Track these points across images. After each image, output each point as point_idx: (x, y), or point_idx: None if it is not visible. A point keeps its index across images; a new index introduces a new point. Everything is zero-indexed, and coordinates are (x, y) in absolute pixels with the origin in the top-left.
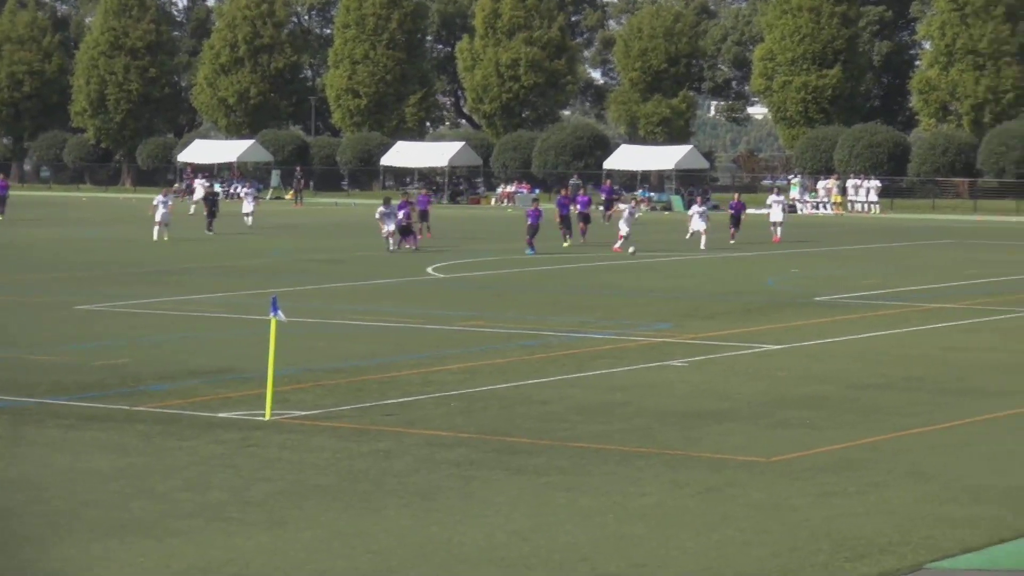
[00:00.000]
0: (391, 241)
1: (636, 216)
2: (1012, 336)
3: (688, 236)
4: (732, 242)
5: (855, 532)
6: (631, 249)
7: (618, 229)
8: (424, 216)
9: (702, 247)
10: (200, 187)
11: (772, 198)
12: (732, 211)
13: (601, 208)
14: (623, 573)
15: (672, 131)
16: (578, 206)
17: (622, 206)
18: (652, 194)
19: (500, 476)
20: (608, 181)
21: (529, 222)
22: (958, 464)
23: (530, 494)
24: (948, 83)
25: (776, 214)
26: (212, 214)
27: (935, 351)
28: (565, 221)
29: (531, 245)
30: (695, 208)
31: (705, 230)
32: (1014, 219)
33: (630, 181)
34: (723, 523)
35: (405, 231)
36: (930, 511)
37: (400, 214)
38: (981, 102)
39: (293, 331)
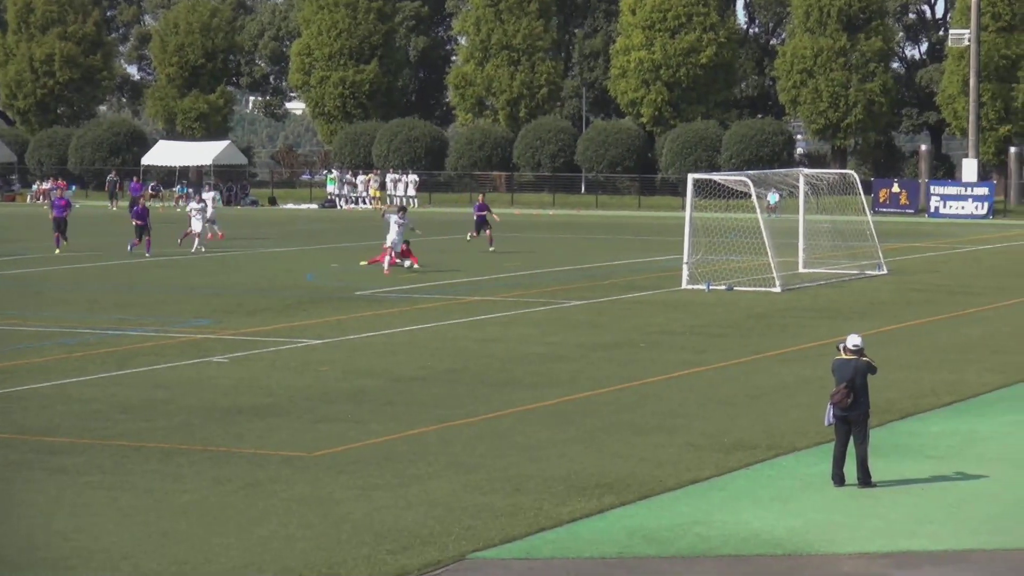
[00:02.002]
0: None
1: (410, 225)
2: (546, 328)
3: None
4: (492, 247)
5: (398, 524)
6: (407, 264)
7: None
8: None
9: (193, 250)
10: None
11: (192, 206)
12: (476, 214)
13: (132, 206)
14: (165, 571)
15: (210, 127)
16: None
17: (391, 217)
18: (191, 190)
19: (40, 476)
20: (135, 179)
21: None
22: (499, 455)
23: (71, 493)
24: (484, 78)
25: (196, 224)
26: None
27: (475, 344)
28: (58, 224)
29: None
30: (192, 205)
31: (199, 232)
32: (550, 212)
33: (168, 177)
34: (266, 518)
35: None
36: (472, 501)
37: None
38: (516, 97)
39: None
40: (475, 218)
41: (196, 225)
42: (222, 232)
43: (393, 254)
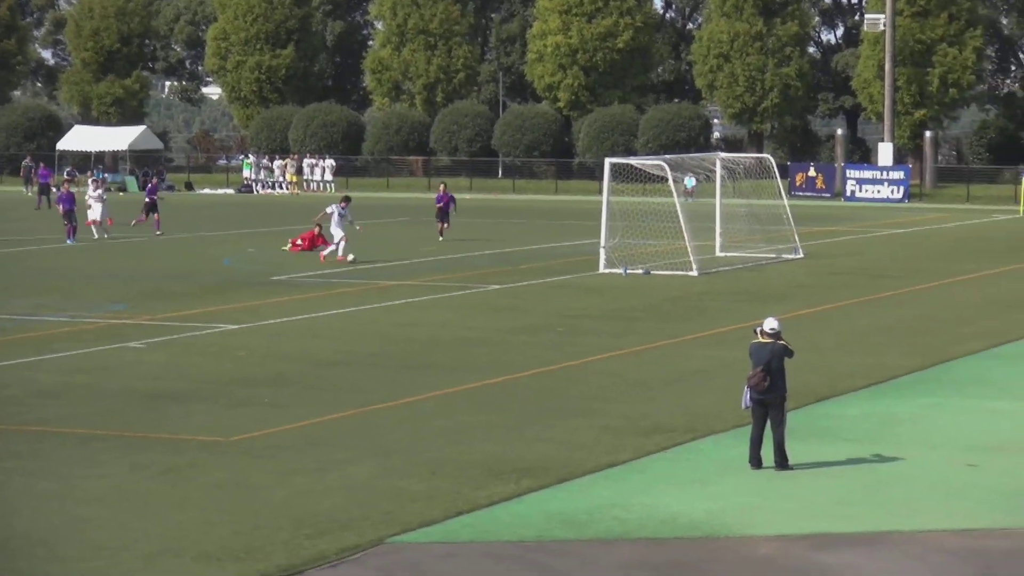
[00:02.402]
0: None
1: (348, 218)
2: (465, 312)
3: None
4: (441, 238)
5: (317, 509)
6: (350, 257)
7: (331, 235)
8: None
9: (95, 236)
10: None
11: (90, 192)
12: (439, 205)
13: (41, 194)
14: (82, 556)
15: (126, 112)
16: (61, 206)
17: (329, 210)
18: (107, 175)
19: None
20: (42, 165)
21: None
22: (418, 439)
23: None
24: (401, 63)
25: (95, 212)
26: None
27: (394, 328)
28: None
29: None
30: (90, 192)
31: (99, 219)
32: (467, 196)
33: (83, 162)
34: (184, 503)
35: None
36: (391, 486)
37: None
38: (433, 82)
39: None
40: (437, 208)
41: (94, 212)
42: (111, 219)
43: (341, 245)
